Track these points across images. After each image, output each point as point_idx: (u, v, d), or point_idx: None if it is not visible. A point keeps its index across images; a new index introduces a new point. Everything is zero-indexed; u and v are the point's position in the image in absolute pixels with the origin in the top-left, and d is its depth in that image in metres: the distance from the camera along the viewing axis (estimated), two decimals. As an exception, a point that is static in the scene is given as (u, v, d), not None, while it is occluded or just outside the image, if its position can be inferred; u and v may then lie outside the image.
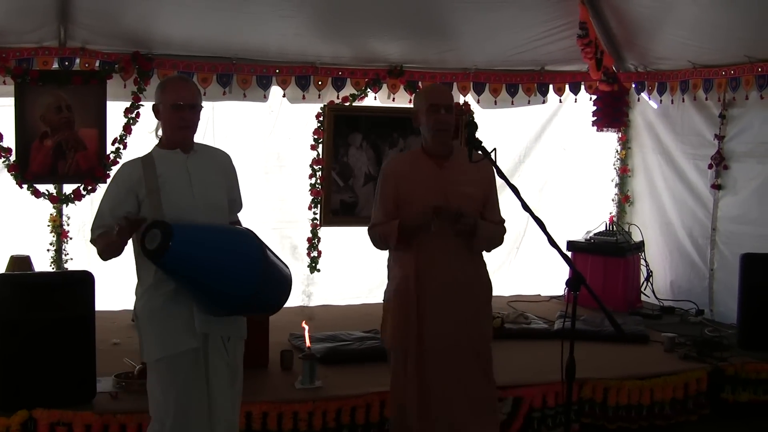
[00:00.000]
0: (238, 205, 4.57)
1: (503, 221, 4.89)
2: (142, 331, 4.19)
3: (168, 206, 4.07)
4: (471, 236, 4.65)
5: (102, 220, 4.17)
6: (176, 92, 4.17)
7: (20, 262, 6.54)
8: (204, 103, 7.40)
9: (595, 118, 8.64)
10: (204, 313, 4.08)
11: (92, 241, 4.24)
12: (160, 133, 4.29)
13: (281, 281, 4.32)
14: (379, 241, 4.94)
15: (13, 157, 6.89)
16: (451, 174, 4.65)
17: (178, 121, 4.15)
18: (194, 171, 4.20)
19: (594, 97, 8.62)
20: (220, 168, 4.38)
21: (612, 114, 8.62)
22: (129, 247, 4.10)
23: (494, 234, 4.82)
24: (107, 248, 4.11)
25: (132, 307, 4.30)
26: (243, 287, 3.98)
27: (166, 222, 3.88)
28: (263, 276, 4.06)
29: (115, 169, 5.88)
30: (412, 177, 4.79)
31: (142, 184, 4.09)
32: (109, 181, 4.36)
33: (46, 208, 7.12)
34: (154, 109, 4.26)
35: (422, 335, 4.75)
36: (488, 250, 4.91)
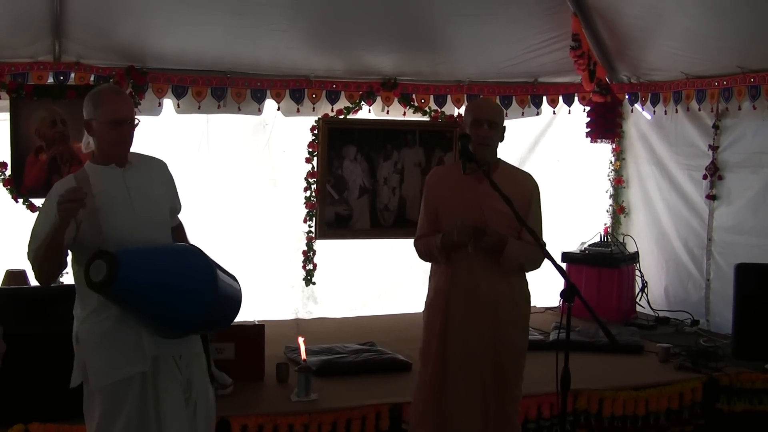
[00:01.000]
0: (178, 210, 4.38)
1: (541, 242, 4.60)
2: (86, 355, 3.94)
3: (108, 226, 3.88)
4: (498, 253, 4.59)
5: (37, 242, 3.90)
6: (114, 107, 3.95)
7: (16, 277, 6.54)
8: (199, 116, 7.52)
9: (589, 129, 8.67)
10: (154, 335, 3.92)
11: (33, 259, 3.93)
12: (91, 146, 4.05)
13: (232, 297, 4.16)
14: (423, 254, 4.91)
15: (8, 172, 6.89)
16: (488, 189, 4.40)
17: (118, 138, 3.95)
18: (133, 185, 4.01)
19: (587, 108, 8.65)
20: (158, 178, 4.20)
21: (605, 125, 8.65)
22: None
23: (527, 253, 4.66)
24: (47, 251, 3.81)
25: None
26: (195, 308, 3.86)
27: (109, 252, 3.70)
28: (215, 295, 3.93)
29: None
30: (451, 190, 4.74)
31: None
32: (43, 201, 4.10)
33: (41, 222, 7.11)
34: (87, 124, 4.02)
35: (445, 347, 4.74)
36: (525, 270, 4.80)
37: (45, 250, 3.83)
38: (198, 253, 4.04)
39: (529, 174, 4.88)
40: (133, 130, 4.02)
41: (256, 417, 5.12)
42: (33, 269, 3.97)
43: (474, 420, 4.69)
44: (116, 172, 4.01)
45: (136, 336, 3.90)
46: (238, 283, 4.22)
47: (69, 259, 3.99)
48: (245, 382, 5.64)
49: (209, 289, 3.89)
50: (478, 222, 4.57)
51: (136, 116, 4.05)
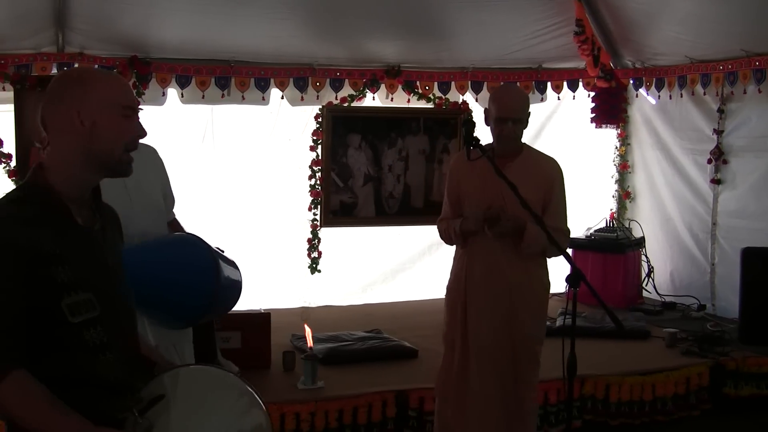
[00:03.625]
0: (171, 201, 4.40)
1: (566, 229, 4.72)
2: None
3: None
4: (518, 238, 4.58)
5: None
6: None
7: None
8: (203, 106, 7.48)
9: (594, 114, 8.65)
10: (157, 326, 3.95)
11: None
12: None
13: (233, 285, 4.15)
14: (443, 237, 4.95)
15: (13, 163, 6.90)
16: (510, 176, 4.33)
17: None
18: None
19: (592, 93, 8.63)
20: (151, 165, 4.21)
21: (610, 110, 8.64)
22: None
23: (547, 240, 4.61)
24: None
25: None
26: (197, 300, 3.86)
27: None
28: (217, 286, 3.91)
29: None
30: (473, 175, 4.74)
31: None
32: None
33: (47, 213, 7.11)
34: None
35: (467, 332, 4.76)
36: (547, 255, 4.77)
37: None
38: (197, 243, 4.03)
39: (553, 159, 4.84)
40: None
41: (263, 405, 5.13)
42: None
43: (491, 405, 4.71)
44: None
45: (140, 327, 3.87)
46: (238, 269, 4.22)
47: None
48: (251, 370, 5.64)
49: (210, 280, 3.88)
50: (499, 206, 4.55)
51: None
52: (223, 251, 4.18)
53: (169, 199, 4.36)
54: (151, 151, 4.28)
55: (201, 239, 4.07)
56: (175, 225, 4.44)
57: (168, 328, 3.99)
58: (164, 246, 4.01)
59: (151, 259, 3.84)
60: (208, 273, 3.90)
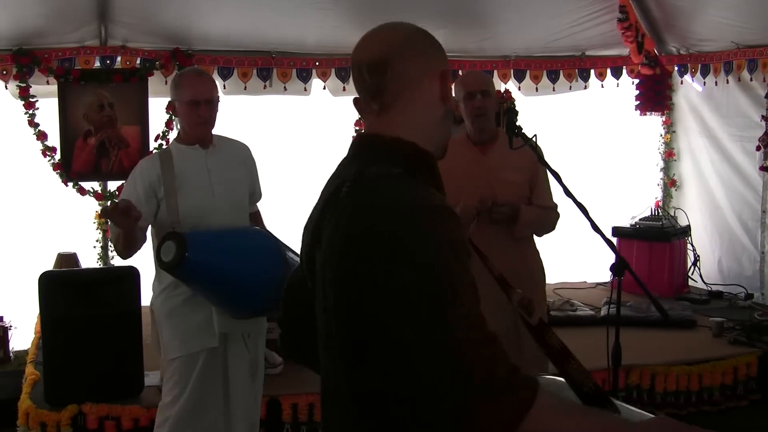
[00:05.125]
0: (257, 197, 4.49)
1: (554, 205, 4.77)
2: (160, 328, 4.13)
3: (186, 208, 3.99)
4: (512, 223, 4.58)
5: None
6: (192, 88, 4.05)
7: (67, 259, 6.63)
8: (245, 98, 7.50)
9: (638, 102, 8.56)
10: (224, 314, 4.03)
11: (112, 237, 4.16)
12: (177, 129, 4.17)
13: None
14: None
15: (57, 156, 6.96)
16: (494, 161, 4.54)
17: (196, 118, 4.05)
18: (214, 168, 4.12)
19: (636, 81, 8.54)
20: (240, 161, 4.30)
21: (655, 98, 8.55)
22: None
23: (541, 219, 4.71)
24: (118, 243, 4.01)
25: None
26: (264, 290, 3.88)
27: (179, 233, 3.81)
28: (284, 277, 3.93)
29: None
30: (456, 164, 4.74)
31: (161, 183, 4.00)
32: (128, 177, 4.21)
33: (92, 205, 7.18)
34: (170, 105, 4.20)
35: None
36: (538, 235, 4.80)
37: (119, 238, 3.97)
38: (266, 235, 4.16)
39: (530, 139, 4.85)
40: (214, 111, 4.12)
41: (306, 396, 5.14)
42: (113, 246, 4.17)
43: None
44: (199, 153, 4.13)
45: (207, 312, 4.02)
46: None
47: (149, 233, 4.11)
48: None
49: (278, 271, 3.91)
50: (488, 194, 4.54)
51: (215, 97, 4.12)
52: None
53: (255, 196, 4.45)
54: (244, 148, 4.38)
55: (269, 232, 4.22)
56: (256, 216, 4.52)
57: (235, 318, 4.04)
58: (233, 235, 4.10)
59: (219, 245, 3.94)
60: (275, 264, 3.97)
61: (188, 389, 4.03)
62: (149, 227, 4.09)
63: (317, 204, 2.09)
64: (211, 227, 4.03)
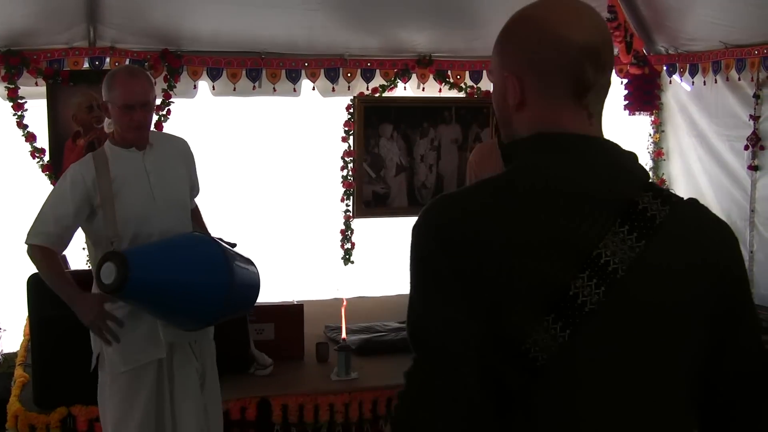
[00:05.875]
0: (196, 192, 4.33)
1: None
2: (103, 342, 3.92)
3: (125, 215, 3.82)
4: None
5: (45, 226, 3.85)
6: (126, 90, 3.81)
7: (56, 261, 6.60)
8: (234, 99, 7.50)
9: (627, 101, 8.57)
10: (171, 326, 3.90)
11: (30, 247, 3.85)
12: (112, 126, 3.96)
13: (250, 283, 4.08)
14: None
15: (46, 158, 6.94)
16: None
17: (131, 122, 3.84)
18: (153, 169, 3.94)
19: (625, 80, 8.55)
20: (179, 158, 4.13)
21: (644, 97, 8.54)
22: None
23: None
24: (53, 285, 3.87)
25: None
26: (211, 302, 3.80)
27: (119, 253, 3.64)
28: (231, 285, 3.84)
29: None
30: (492, 166, 4.72)
31: (96, 189, 3.80)
32: (58, 181, 4.00)
33: (81, 207, 7.15)
34: (103, 106, 3.96)
35: None
36: None
37: (51, 281, 3.87)
38: (209, 242, 3.96)
39: None
40: (149, 113, 3.91)
41: (297, 396, 5.14)
42: (31, 259, 3.90)
43: None
44: (136, 156, 3.94)
45: (152, 323, 3.88)
46: (254, 266, 4.15)
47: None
48: (285, 361, 5.65)
49: (224, 281, 3.81)
50: None
51: (150, 99, 3.93)
52: (234, 245, 4.11)
53: (194, 190, 4.31)
54: (182, 144, 4.22)
55: (212, 238, 4.01)
56: (195, 214, 4.39)
57: (185, 330, 3.93)
58: (175, 247, 3.91)
59: (161, 260, 3.77)
60: (220, 274, 3.82)
61: (138, 404, 3.92)
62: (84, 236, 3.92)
63: None
64: (153, 234, 3.87)
